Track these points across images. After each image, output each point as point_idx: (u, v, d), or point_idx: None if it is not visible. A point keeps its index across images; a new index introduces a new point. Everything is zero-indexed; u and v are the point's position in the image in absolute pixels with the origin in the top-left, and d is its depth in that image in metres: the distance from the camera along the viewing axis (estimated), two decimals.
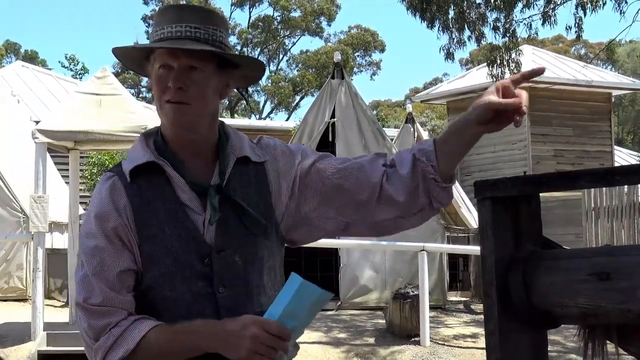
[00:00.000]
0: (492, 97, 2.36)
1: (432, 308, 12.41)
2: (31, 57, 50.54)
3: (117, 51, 2.57)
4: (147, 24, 51.80)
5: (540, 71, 2.43)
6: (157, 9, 46.23)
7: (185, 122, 2.47)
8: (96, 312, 2.42)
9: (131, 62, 2.61)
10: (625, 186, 15.96)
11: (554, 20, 15.49)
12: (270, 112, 52.45)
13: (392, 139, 16.85)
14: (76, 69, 47.55)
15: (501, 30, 15.63)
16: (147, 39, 2.51)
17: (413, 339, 11.62)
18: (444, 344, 11.64)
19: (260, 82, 51.46)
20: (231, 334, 2.32)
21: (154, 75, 2.49)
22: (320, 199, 2.57)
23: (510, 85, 2.40)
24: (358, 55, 51.73)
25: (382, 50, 52.06)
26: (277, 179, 2.57)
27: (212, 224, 2.45)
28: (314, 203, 2.58)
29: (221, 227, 2.47)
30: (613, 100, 25.67)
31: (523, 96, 2.39)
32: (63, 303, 14.13)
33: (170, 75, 2.44)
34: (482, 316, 1.94)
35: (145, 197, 2.46)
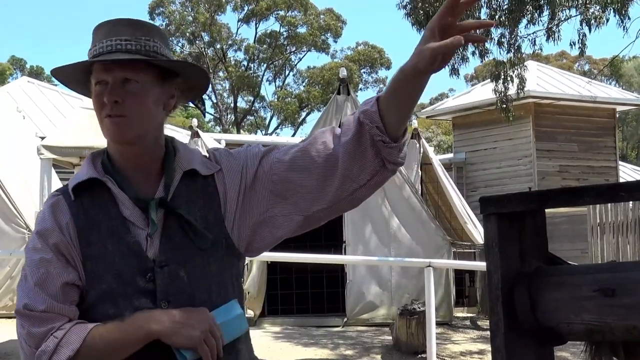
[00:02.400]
0: (433, 45, 2.22)
1: (438, 324, 12.38)
2: (37, 73, 50.69)
3: (56, 74, 2.54)
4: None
5: (489, 24, 2.35)
6: (164, 24, 46.50)
7: (126, 135, 2.44)
8: (38, 319, 2.38)
9: (75, 85, 2.58)
10: (631, 202, 15.94)
11: (558, 36, 15.51)
12: (277, 128, 52.53)
13: None
14: None
15: (506, 46, 15.65)
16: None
17: (420, 356, 11.59)
18: None
19: (265, 97, 51.60)
20: (186, 322, 2.33)
21: (93, 92, 2.47)
22: (272, 198, 2.50)
23: (448, 23, 2.26)
24: (364, 72, 51.80)
25: (388, 67, 52.13)
26: (225, 188, 2.51)
27: (150, 237, 2.42)
28: (266, 203, 2.50)
29: (165, 241, 2.43)
30: (617, 116, 25.65)
31: (465, 26, 2.27)
32: None
33: (104, 90, 2.43)
34: (489, 332, 1.93)
35: (89, 215, 2.44)
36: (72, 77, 2.55)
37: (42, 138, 13.14)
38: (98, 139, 11.33)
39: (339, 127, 2.46)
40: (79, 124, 11.24)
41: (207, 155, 2.59)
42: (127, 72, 2.43)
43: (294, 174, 2.47)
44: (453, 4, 2.25)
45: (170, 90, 2.52)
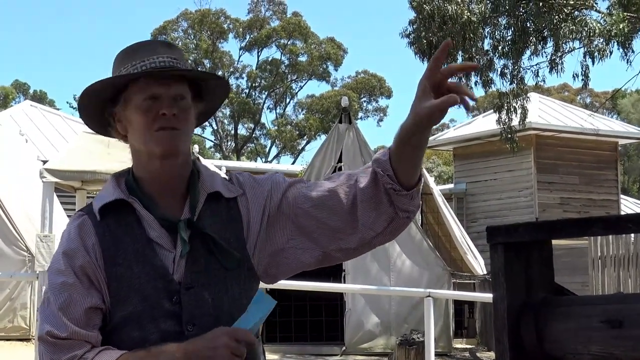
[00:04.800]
0: (429, 104, 2.29)
1: (437, 355, 12.33)
2: (40, 98, 50.78)
3: (88, 90, 2.52)
4: None
5: (473, 67, 2.42)
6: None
7: (176, 148, 2.47)
8: (60, 345, 2.37)
9: (92, 109, 2.55)
10: (632, 236, 15.91)
11: (562, 68, 15.56)
12: (276, 156, 52.58)
13: None
14: None
15: (509, 77, 15.70)
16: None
17: None
18: None
19: (266, 125, 51.72)
20: (204, 347, 2.31)
21: (138, 107, 2.46)
22: (293, 229, 2.53)
23: (438, 79, 2.32)
24: (364, 101, 51.91)
25: (389, 96, 52.23)
26: (248, 213, 2.53)
27: (182, 257, 2.42)
28: (287, 234, 2.53)
29: (191, 263, 2.43)
30: (619, 149, 25.68)
31: (459, 89, 2.32)
32: None
33: (157, 105, 2.44)
34: None
35: (115, 236, 2.44)
36: (99, 96, 2.53)
37: (44, 162, 13.14)
38: (100, 163, 11.33)
39: (359, 173, 2.51)
40: (82, 147, 11.24)
41: (229, 177, 2.62)
42: (181, 89, 2.48)
43: (319, 212, 2.50)
44: (437, 65, 2.32)
45: (197, 112, 2.57)
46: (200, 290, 2.43)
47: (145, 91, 2.46)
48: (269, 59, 51.05)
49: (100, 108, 2.55)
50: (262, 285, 2.56)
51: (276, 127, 51.30)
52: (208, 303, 2.43)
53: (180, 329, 2.39)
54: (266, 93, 51.76)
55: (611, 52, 14.81)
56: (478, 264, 15.99)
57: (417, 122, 2.33)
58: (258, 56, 51.35)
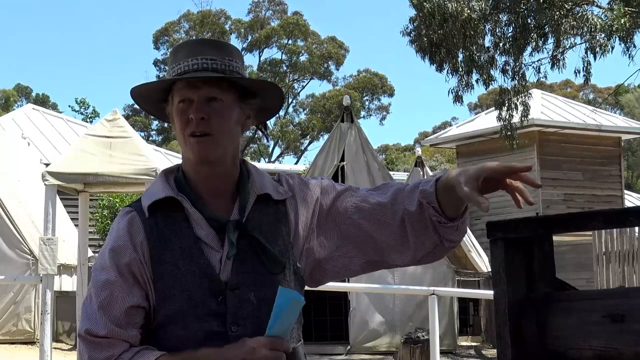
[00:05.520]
0: (468, 192, 2.35)
1: (442, 353, 12.32)
2: (42, 101, 50.82)
3: (135, 92, 2.55)
4: (158, 68, 52.13)
5: (527, 169, 2.45)
6: (168, 52, 46.66)
7: (210, 155, 2.45)
8: (98, 344, 2.38)
9: (151, 105, 2.60)
10: (637, 231, 15.89)
11: (563, 64, 15.53)
12: (279, 156, 52.61)
13: None
14: (87, 113, 47.87)
15: (510, 74, 15.68)
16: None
17: None
18: None
19: (268, 125, 51.84)
20: (242, 357, 2.31)
21: (175, 111, 2.47)
22: (341, 237, 2.55)
23: (491, 177, 2.43)
24: (366, 100, 51.92)
25: (391, 95, 52.25)
26: (296, 216, 2.54)
27: (229, 259, 2.42)
28: (335, 242, 2.55)
29: (237, 264, 2.43)
30: (622, 144, 25.65)
31: (522, 194, 2.44)
32: (71, 346, 14.07)
33: (190, 108, 2.43)
34: None
35: (162, 233, 2.43)
36: (150, 97, 2.57)
37: (47, 164, 13.16)
38: (103, 166, 11.32)
39: (406, 193, 2.53)
40: (84, 150, 11.24)
41: (278, 179, 2.61)
42: (213, 91, 2.45)
43: (369, 224, 2.53)
44: (510, 172, 2.42)
45: (248, 111, 2.54)
46: (245, 291, 2.43)
47: (179, 94, 2.46)
48: (269, 60, 51.06)
49: (157, 107, 2.58)
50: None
51: (279, 128, 51.33)
52: (253, 304, 2.43)
53: (224, 329, 2.40)
54: None
55: (613, 48, 14.79)
56: (482, 261, 15.98)
57: (453, 191, 2.38)
58: (260, 56, 51.39)
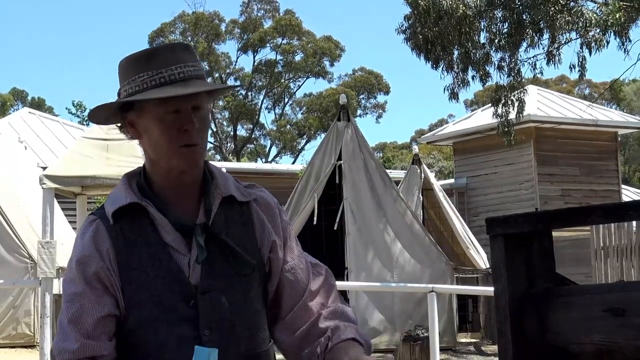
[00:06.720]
0: None
1: (442, 350, 12.32)
2: (38, 105, 50.69)
3: (97, 109, 2.49)
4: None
5: None
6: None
7: (200, 162, 2.45)
8: None
9: (107, 112, 2.51)
10: (635, 226, 15.90)
11: (559, 59, 15.52)
12: (276, 156, 52.57)
13: (399, 181, 16.88)
14: (83, 116, 47.75)
15: (506, 70, 15.67)
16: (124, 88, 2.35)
17: None
18: None
19: (265, 125, 51.76)
20: None
21: (159, 120, 2.39)
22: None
23: None
24: (362, 98, 51.88)
25: (387, 93, 52.22)
26: (261, 224, 2.52)
27: (199, 263, 2.39)
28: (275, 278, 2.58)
29: (206, 267, 2.40)
30: (619, 139, 25.66)
31: None
32: None
33: (180, 118, 2.38)
34: (493, 357, 1.90)
35: (128, 240, 2.40)
36: (111, 106, 2.49)
37: (44, 168, 13.15)
38: (100, 168, 11.29)
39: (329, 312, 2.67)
40: (80, 153, 11.23)
41: (244, 184, 2.60)
42: (200, 100, 2.43)
43: (285, 290, 2.55)
44: None
45: None
46: (217, 294, 2.41)
47: (169, 104, 2.39)
48: (264, 60, 51.01)
49: (111, 113, 2.50)
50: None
51: (276, 128, 51.30)
52: (225, 307, 2.41)
53: (196, 333, 2.38)
54: (264, 93, 51.74)
55: (608, 42, 14.79)
56: (481, 258, 15.98)
57: None
58: (254, 57, 51.34)
